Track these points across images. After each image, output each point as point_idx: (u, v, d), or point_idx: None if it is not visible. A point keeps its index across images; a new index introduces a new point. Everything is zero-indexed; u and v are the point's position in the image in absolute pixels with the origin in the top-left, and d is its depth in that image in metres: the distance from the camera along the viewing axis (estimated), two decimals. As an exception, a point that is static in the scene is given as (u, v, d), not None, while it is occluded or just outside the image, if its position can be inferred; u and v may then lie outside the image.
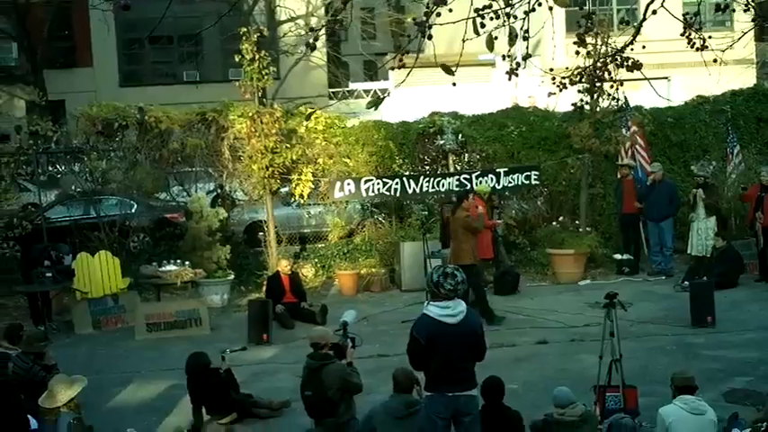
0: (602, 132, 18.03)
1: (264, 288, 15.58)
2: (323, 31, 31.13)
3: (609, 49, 16.31)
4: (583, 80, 8.49)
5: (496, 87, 26.53)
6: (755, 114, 19.95)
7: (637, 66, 7.50)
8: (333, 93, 33.29)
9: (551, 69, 7.30)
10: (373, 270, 17.26)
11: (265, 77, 16.78)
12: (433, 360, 7.48)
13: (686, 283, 15.37)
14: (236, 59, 16.80)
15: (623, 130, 18.32)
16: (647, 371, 10.82)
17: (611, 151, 18.34)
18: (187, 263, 15.50)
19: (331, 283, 17.72)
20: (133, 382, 11.77)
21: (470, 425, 7.68)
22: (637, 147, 18.38)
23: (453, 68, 5.99)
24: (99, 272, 15.17)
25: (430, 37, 5.86)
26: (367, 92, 32.92)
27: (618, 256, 17.75)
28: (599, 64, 7.73)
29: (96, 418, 9.53)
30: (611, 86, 8.37)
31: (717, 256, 16.20)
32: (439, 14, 5.84)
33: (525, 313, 14.61)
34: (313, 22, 31.20)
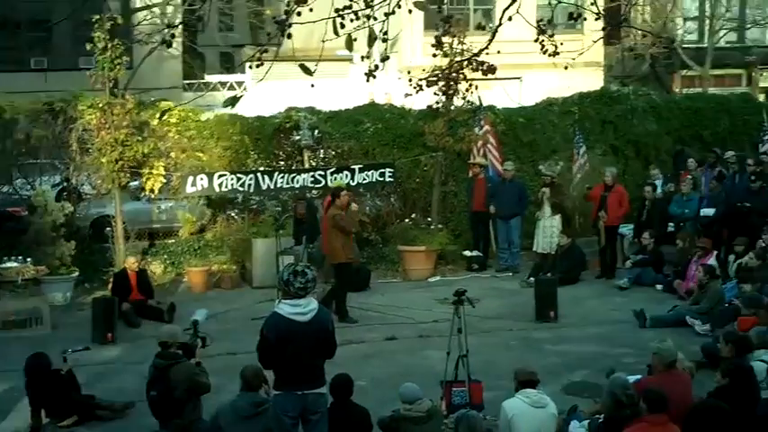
0: (456, 131, 18.34)
1: (110, 285, 15.21)
2: (179, 23, 30.65)
3: (464, 51, 16.74)
4: (439, 82, 8.62)
5: (353, 83, 26.63)
6: (601, 117, 20.62)
7: (491, 69, 7.67)
8: (188, 84, 32.66)
9: (408, 72, 7.35)
10: (224, 267, 17.05)
11: (118, 67, 16.31)
12: (283, 358, 7.46)
13: (532, 279, 15.85)
14: (88, 48, 16.26)
15: (476, 129, 18.68)
16: (492, 366, 11.03)
17: (464, 150, 18.66)
18: (29, 259, 14.90)
19: (180, 279, 17.40)
20: (-32, 383, 11.25)
21: (318, 423, 7.70)
22: (488, 146, 18.75)
23: (313, 66, 6.02)
24: (-67, 268, 14.46)
25: (289, 36, 5.83)
26: (223, 84, 32.43)
27: (467, 253, 18.10)
28: (455, 67, 7.84)
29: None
30: (467, 89, 8.50)
31: (561, 254, 16.72)
32: (299, 14, 5.82)
33: (375, 310, 14.70)
34: (169, 10, 30.54)
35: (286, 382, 7.55)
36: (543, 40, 7.42)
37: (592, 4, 6.85)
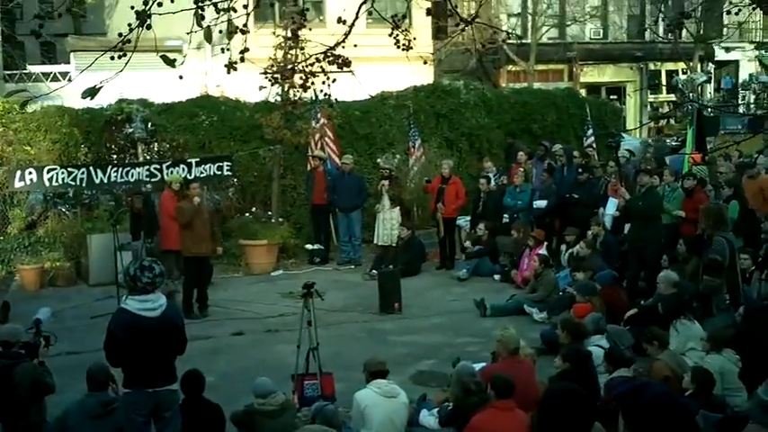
0: (293, 124, 18.29)
1: (-65, 285, 14.41)
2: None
3: (300, 45, 16.72)
4: (295, 75, 8.60)
5: (185, 75, 26.10)
6: (435, 110, 21.05)
7: (346, 63, 7.68)
8: (8, 75, 31.26)
9: (241, 60, 7.24)
10: (58, 264, 16.42)
11: (-65, 56, 15.50)
12: (132, 355, 7.30)
13: (374, 271, 16.02)
14: None
15: (313, 123, 18.69)
16: (340, 357, 11.09)
17: (302, 143, 18.64)
18: None
19: (12, 278, 16.64)
20: None
21: (171, 420, 7.60)
22: (326, 139, 18.82)
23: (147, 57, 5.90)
24: None
25: (149, 26, 5.66)
26: (46, 75, 31.20)
27: (309, 247, 18.11)
28: (311, 60, 7.80)
29: None
30: (323, 82, 8.50)
31: (401, 246, 16.97)
32: (161, 4, 5.66)
33: (220, 305, 14.49)
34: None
35: (136, 379, 7.39)
36: (398, 35, 7.50)
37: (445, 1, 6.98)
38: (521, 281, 15.29)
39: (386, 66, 23.20)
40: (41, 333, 8.50)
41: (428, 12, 8.61)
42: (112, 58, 5.80)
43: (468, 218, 17.94)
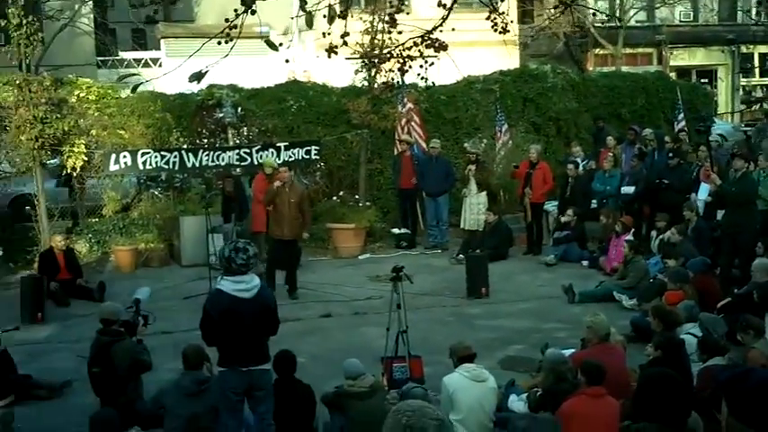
0: (380, 109, 18.36)
1: (36, 264, 14.86)
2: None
3: (387, 30, 16.76)
4: (391, 59, 8.62)
5: (273, 60, 26.42)
6: (522, 94, 20.90)
7: (443, 47, 7.69)
8: (101, 61, 32.03)
9: (344, 44, 7.34)
10: (152, 245, 16.80)
11: (34, 44, 15.92)
12: (227, 335, 7.44)
13: (461, 256, 16.01)
14: (2, 24, 15.82)
15: (399, 107, 18.74)
16: (428, 341, 11.10)
17: (389, 127, 18.71)
18: (-49, 237, 14.56)
19: (107, 258, 17.06)
20: None
21: (264, 399, 7.72)
22: (412, 123, 18.84)
23: (230, 44, 5.99)
24: None
25: (254, 12, 5.76)
26: (138, 61, 31.92)
27: (396, 231, 18.20)
28: (408, 44, 7.82)
29: None
30: (420, 66, 8.51)
31: (488, 230, 16.92)
32: None
33: (308, 287, 14.62)
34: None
35: (231, 358, 7.53)
36: (495, 18, 7.49)
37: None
38: (609, 269, 15.09)
39: (471, 50, 23.13)
40: (140, 312, 8.74)
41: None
42: (216, 44, 5.90)
43: (556, 203, 17.78)
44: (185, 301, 13.56)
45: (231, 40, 5.87)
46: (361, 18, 17.47)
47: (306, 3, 5.90)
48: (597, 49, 34.36)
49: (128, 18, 36.29)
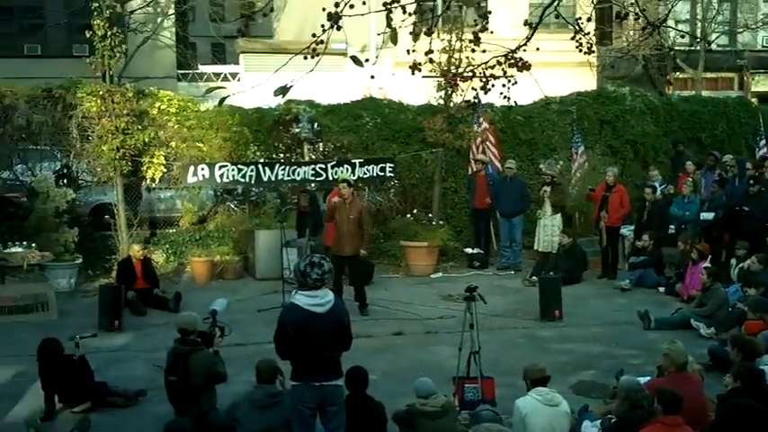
0: (455, 127, 18.35)
1: (115, 273, 15.16)
2: (172, 10, 30.53)
3: (463, 48, 16.80)
4: (475, 77, 8.61)
5: (349, 77, 26.61)
6: (599, 117, 20.71)
7: (526, 66, 7.66)
8: (181, 74, 32.57)
9: (430, 60, 7.39)
10: (227, 258, 17.01)
11: (117, 55, 16.30)
12: (301, 349, 7.45)
13: (534, 277, 15.89)
14: (87, 35, 16.22)
15: (475, 126, 18.71)
16: (500, 363, 11.01)
17: (464, 146, 18.69)
18: (33, 245, 14.87)
19: (183, 269, 17.35)
20: (-23, 368, 11.16)
21: (336, 414, 7.71)
22: (487, 143, 18.80)
23: (309, 60, 6.04)
24: (-64, 252, 14.38)
25: (339, 28, 5.82)
26: (217, 75, 32.41)
27: (469, 250, 18.15)
28: (491, 63, 7.81)
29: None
30: (503, 85, 8.47)
31: (562, 253, 16.76)
32: (352, 6, 5.82)
33: (380, 304, 14.65)
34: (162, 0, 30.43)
35: (304, 373, 7.53)
36: (580, 38, 7.45)
37: (632, 4, 6.87)
38: (686, 296, 14.80)
39: (548, 71, 22.97)
40: (217, 324, 8.82)
41: (618, 15, 8.47)
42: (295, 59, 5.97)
43: (632, 227, 17.54)
44: (259, 314, 13.66)
45: (317, 55, 5.92)
46: (439, 37, 17.49)
47: (392, 20, 5.93)
48: (677, 73, 33.89)
49: (208, 32, 36.87)
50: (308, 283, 7.46)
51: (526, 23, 7.10)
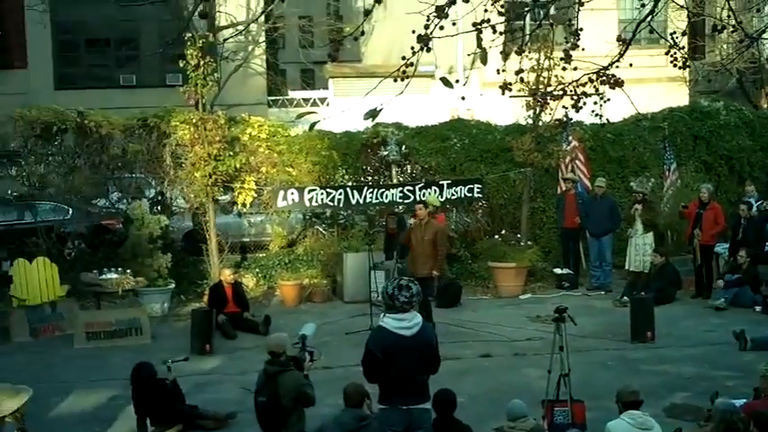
0: (544, 146, 18.23)
1: (206, 297, 15.43)
2: (263, 38, 31.07)
3: (552, 67, 16.71)
4: (566, 95, 8.56)
5: (435, 99, 26.70)
6: (692, 132, 20.29)
7: (619, 83, 7.59)
8: (271, 100, 33.09)
9: (521, 80, 7.40)
10: (315, 281, 17.14)
11: (210, 84, 16.67)
12: (388, 373, 7.45)
13: (625, 298, 15.64)
14: (181, 65, 16.64)
15: (564, 145, 18.54)
16: (589, 385, 10.86)
17: (552, 165, 18.55)
18: (128, 270, 15.27)
19: (272, 293, 17.57)
20: (73, 391, 11.48)
21: (423, 437, 7.69)
22: (577, 162, 18.62)
23: (398, 83, 6.07)
24: (37, 278, 14.86)
25: (429, 49, 5.87)
26: (306, 100, 32.84)
27: (558, 271, 17.95)
28: (582, 80, 7.76)
29: (38, 428, 9.27)
30: (595, 103, 8.39)
31: (655, 272, 16.46)
32: (442, 27, 5.86)
33: (468, 326, 14.61)
34: (253, 28, 31.01)
35: (392, 396, 7.52)
36: (674, 53, 7.36)
37: (728, 16, 6.77)
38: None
39: (639, 87, 22.67)
40: (306, 348, 8.89)
41: (714, 28, 8.37)
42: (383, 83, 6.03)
43: (727, 245, 17.13)
44: (347, 337, 13.74)
45: (406, 77, 5.98)
46: (527, 56, 17.42)
47: (482, 40, 5.94)
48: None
49: (297, 59, 37.40)
50: (396, 306, 7.45)
51: (619, 39, 7.03)
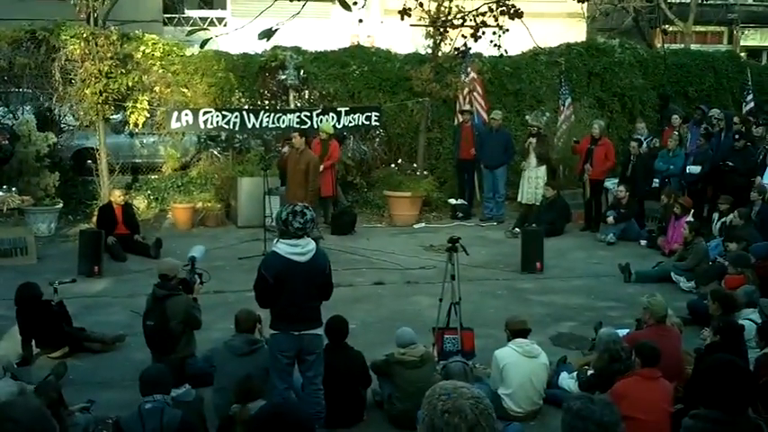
0: (443, 77, 18.20)
1: (95, 218, 15.03)
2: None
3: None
4: (465, 25, 8.50)
5: (336, 24, 26.34)
6: (588, 68, 20.54)
7: (518, 14, 7.56)
8: (167, 18, 32.15)
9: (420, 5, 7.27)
10: (209, 204, 16.87)
11: (104, -3, 16.09)
12: (280, 298, 7.43)
13: (517, 229, 15.87)
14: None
15: (462, 76, 18.55)
16: (480, 314, 11.10)
17: (450, 97, 18.56)
18: (13, 189, 14.76)
19: (164, 215, 17.24)
20: (-47, 312, 11.12)
21: (314, 363, 7.73)
22: (474, 94, 18.64)
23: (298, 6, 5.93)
24: None
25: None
26: (203, 19, 32.01)
27: (452, 201, 18.10)
28: (481, 9, 7.70)
29: None
30: (494, 33, 8.35)
31: (546, 205, 16.73)
32: None
33: (361, 254, 14.66)
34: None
35: (283, 321, 7.53)
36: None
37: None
38: (668, 250, 14.82)
39: (537, 21, 22.80)
40: (196, 270, 8.80)
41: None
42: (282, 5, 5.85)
43: (616, 180, 17.51)
44: (239, 262, 13.64)
45: (303, -1, 5.82)
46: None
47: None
48: (666, 26, 33.66)
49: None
50: (290, 232, 7.42)
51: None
